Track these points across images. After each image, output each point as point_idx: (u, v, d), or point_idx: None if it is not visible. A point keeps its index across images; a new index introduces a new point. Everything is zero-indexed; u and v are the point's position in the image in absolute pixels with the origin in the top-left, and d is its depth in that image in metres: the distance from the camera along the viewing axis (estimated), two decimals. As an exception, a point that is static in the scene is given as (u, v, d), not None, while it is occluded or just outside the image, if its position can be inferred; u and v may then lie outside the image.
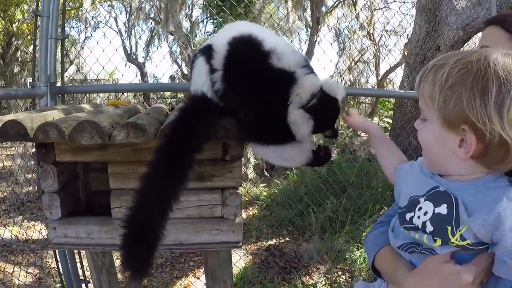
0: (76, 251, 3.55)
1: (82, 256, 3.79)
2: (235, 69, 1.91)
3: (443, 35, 6.80)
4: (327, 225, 6.15)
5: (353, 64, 21.15)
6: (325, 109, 1.81)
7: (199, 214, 2.14)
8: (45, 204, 2.14)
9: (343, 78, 21.05)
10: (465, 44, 7.06)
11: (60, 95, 3.37)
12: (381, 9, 18.96)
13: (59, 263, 3.50)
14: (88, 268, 3.78)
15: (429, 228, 1.26)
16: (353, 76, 21.48)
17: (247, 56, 1.91)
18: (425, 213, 1.29)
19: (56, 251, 3.47)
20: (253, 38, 1.91)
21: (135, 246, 1.69)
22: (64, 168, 2.20)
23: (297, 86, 1.81)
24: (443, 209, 1.25)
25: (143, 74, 20.72)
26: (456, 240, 1.23)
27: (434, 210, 1.27)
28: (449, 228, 1.23)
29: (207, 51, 1.94)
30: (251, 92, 1.88)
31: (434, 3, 6.66)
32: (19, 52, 16.67)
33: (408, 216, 1.35)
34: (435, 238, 1.27)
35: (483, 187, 1.24)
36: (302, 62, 1.89)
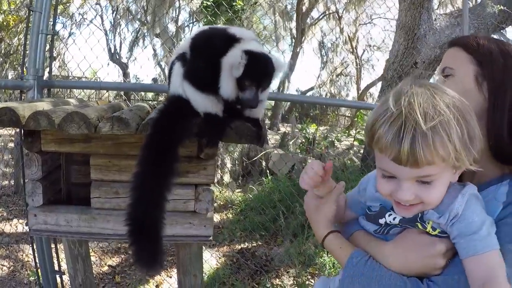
0: (52, 245, 3.62)
1: (58, 248, 3.85)
2: (199, 41, 2.14)
3: (421, 53, 6.96)
4: (299, 230, 6.27)
5: (334, 77, 21.30)
6: (247, 74, 1.94)
7: (173, 208, 2.26)
8: (28, 191, 2.26)
9: (325, 90, 21.23)
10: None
11: (46, 89, 3.46)
12: (365, 24, 19.15)
13: (36, 252, 3.56)
14: (62, 260, 3.87)
15: (405, 225, 1.44)
16: (334, 88, 21.63)
17: (207, 32, 2.20)
18: (394, 218, 1.45)
19: (34, 243, 3.53)
20: (213, 27, 2.17)
21: (141, 240, 1.83)
22: (48, 158, 2.32)
23: (234, 48, 1.97)
24: None
25: (126, 75, 20.67)
26: (429, 230, 1.38)
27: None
28: (419, 224, 1.40)
29: (182, 57, 2.12)
30: (201, 45, 2.10)
31: (414, 22, 6.79)
32: (3, 43, 16.48)
33: (381, 221, 1.50)
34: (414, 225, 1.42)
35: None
36: (254, 37, 2.12)
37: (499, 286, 1.22)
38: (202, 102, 2.03)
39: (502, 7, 6.64)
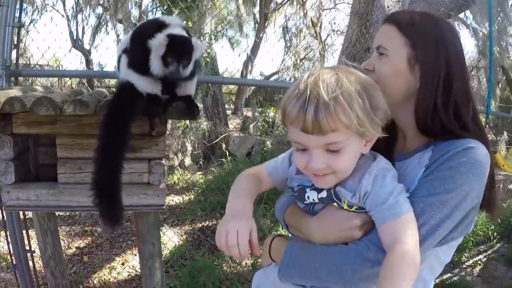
0: (24, 230, 3.82)
1: (28, 229, 4.03)
2: (135, 32, 2.55)
3: (373, 38, 7.10)
4: (257, 208, 6.50)
5: (298, 61, 21.33)
6: (168, 52, 2.31)
7: (129, 180, 2.54)
8: (1, 171, 2.49)
9: (289, 74, 21.27)
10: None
11: (14, 78, 3.68)
12: (329, 9, 19.19)
13: (8, 232, 3.74)
14: (32, 239, 4.08)
15: (326, 202, 1.54)
16: (298, 72, 21.66)
17: (142, 24, 2.68)
18: (313, 199, 1.56)
19: (7, 227, 3.70)
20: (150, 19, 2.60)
21: (104, 198, 2.16)
22: (19, 140, 2.56)
23: (161, 33, 2.32)
24: (323, 193, 1.52)
25: (88, 62, 20.41)
26: (346, 207, 1.49)
27: (317, 195, 1.54)
28: (335, 204, 1.51)
29: (126, 50, 2.50)
30: (137, 35, 2.50)
31: (367, 9, 6.86)
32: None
33: (304, 202, 1.62)
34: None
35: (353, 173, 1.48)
36: (180, 24, 2.53)
37: (400, 248, 1.31)
38: (143, 84, 2.39)
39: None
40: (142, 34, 2.42)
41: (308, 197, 1.58)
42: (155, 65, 2.33)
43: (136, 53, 2.41)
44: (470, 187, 1.46)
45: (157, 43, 2.27)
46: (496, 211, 1.70)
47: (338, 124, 1.30)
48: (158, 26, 2.39)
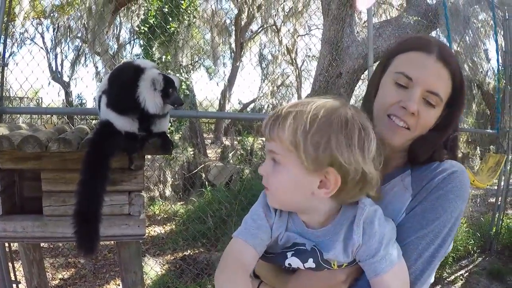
0: (9, 261, 3.89)
1: (13, 261, 4.08)
2: (114, 76, 2.69)
3: (344, 64, 7.30)
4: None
5: (275, 88, 21.44)
6: (167, 85, 2.53)
7: (111, 212, 2.67)
8: None
9: (266, 101, 21.36)
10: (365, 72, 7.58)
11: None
12: (303, 35, 19.34)
13: None
14: (19, 269, 4.16)
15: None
16: (275, 99, 21.76)
17: (119, 68, 2.79)
18: (297, 267, 1.46)
19: None
20: (125, 63, 2.74)
21: (83, 228, 2.30)
22: (5, 176, 2.68)
23: (144, 74, 2.53)
24: (311, 263, 1.41)
25: (68, 94, 20.27)
26: (336, 267, 1.42)
27: (304, 266, 1.42)
28: (325, 269, 1.42)
29: (105, 91, 2.63)
30: (115, 78, 2.65)
31: (337, 36, 6.99)
32: None
33: (284, 264, 1.49)
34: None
35: (338, 227, 1.40)
36: (154, 66, 2.72)
37: None
38: (122, 123, 2.55)
39: (417, 18, 7.07)
40: (122, 77, 2.60)
41: (289, 264, 1.46)
42: (155, 102, 2.52)
43: (115, 94, 2.57)
44: (459, 211, 1.47)
45: (154, 80, 2.50)
46: None
47: (274, 136, 1.29)
48: (136, 69, 2.57)
